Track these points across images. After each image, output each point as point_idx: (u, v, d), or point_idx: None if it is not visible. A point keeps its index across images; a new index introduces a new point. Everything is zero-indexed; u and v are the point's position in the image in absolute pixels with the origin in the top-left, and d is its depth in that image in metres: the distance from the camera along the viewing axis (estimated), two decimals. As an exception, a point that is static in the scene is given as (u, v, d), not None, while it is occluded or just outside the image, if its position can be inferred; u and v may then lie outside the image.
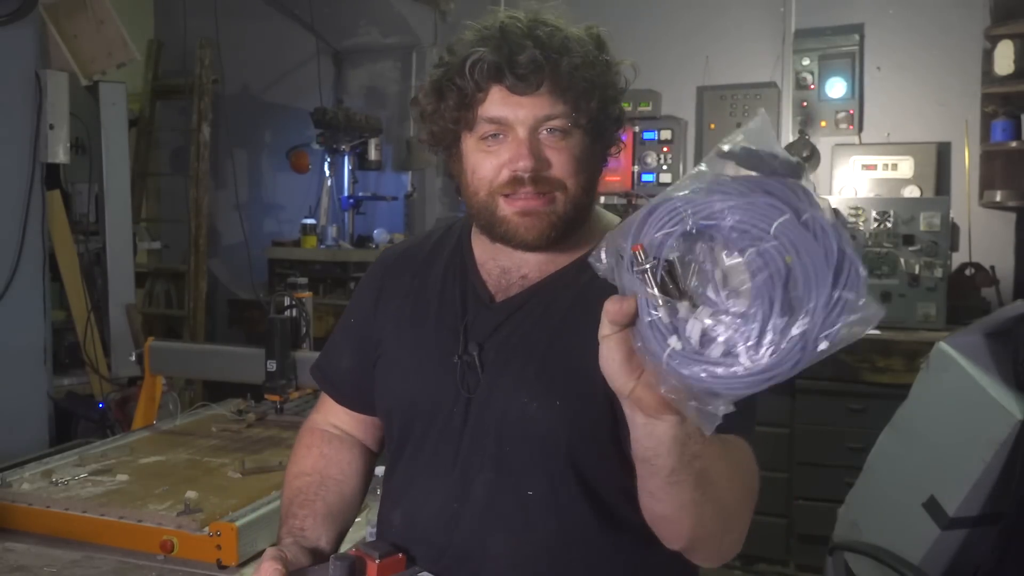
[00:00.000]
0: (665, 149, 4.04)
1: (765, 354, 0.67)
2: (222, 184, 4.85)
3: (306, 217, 4.32)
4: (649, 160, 4.04)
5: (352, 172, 4.47)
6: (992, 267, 3.39)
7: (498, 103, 1.09)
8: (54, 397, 3.13)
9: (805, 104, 3.78)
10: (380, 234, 4.29)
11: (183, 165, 4.73)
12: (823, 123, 3.77)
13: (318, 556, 1.19)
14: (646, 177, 4.05)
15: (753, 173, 0.72)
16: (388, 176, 4.62)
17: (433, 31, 4.48)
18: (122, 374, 3.40)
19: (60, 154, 3.07)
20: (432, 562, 1.14)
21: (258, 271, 4.30)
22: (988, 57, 3.41)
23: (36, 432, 2.95)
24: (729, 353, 0.69)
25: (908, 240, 3.15)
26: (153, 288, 4.82)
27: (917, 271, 3.12)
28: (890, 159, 3.67)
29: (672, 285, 0.72)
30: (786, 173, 0.70)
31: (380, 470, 1.34)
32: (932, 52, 3.65)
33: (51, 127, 3.02)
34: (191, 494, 1.55)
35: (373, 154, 4.39)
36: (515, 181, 1.09)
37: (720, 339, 0.69)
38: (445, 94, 1.11)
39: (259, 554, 1.46)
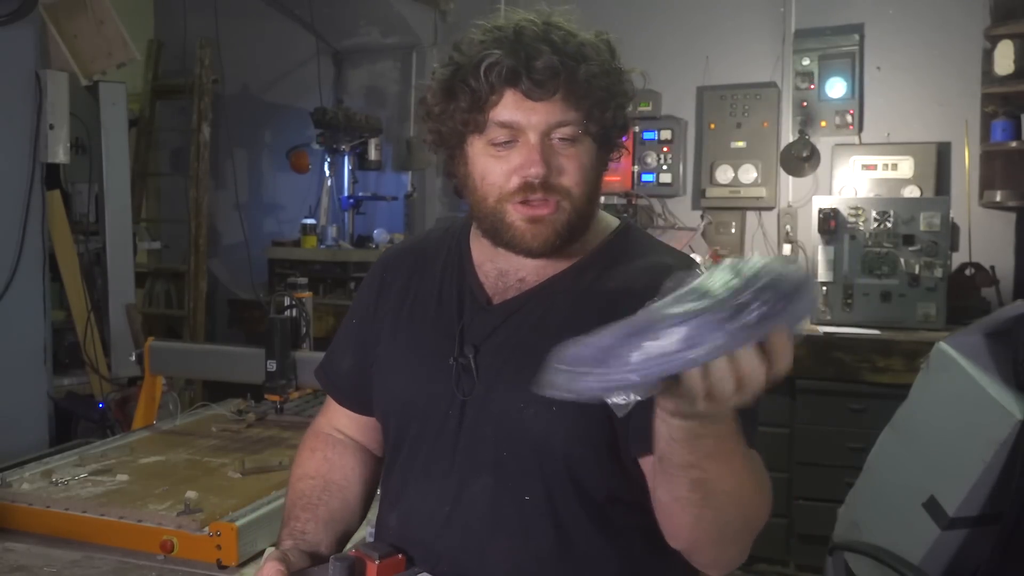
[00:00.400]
0: (665, 149, 4.04)
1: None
2: (222, 184, 4.85)
3: (306, 217, 4.32)
4: (649, 160, 4.05)
5: (352, 172, 4.47)
6: (992, 267, 3.39)
7: (511, 107, 1.07)
8: (54, 397, 3.13)
9: (805, 104, 3.78)
10: (380, 234, 4.29)
11: (183, 165, 4.73)
12: (823, 123, 3.76)
13: (318, 560, 1.20)
14: (646, 177, 4.06)
15: None
16: (388, 176, 4.62)
17: (433, 31, 4.48)
18: (122, 374, 3.40)
19: (60, 154, 3.07)
20: (429, 565, 1.14)
21: (258, 271, 4.30)
22: (988, 57, 3.41)
23: (36, 432, 2.95)
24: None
25: (908, 240, 3.15)
26: (153, 288, 4.82)
27: (917, 271, 3.12)
28: (890, 159, 3.67)
29: None
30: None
31: None
32: (932, 52, 3.65)
33: (51, 127, 3.02)
34: (191, 494, 1.55)
35: (373, 154, 4.39)
36: (526, 187, 1.08)
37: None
38: (456, 95, 1.09)
39: (259, 554, 1.47)
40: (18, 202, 2.94)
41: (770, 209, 3.92)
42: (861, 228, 3.18)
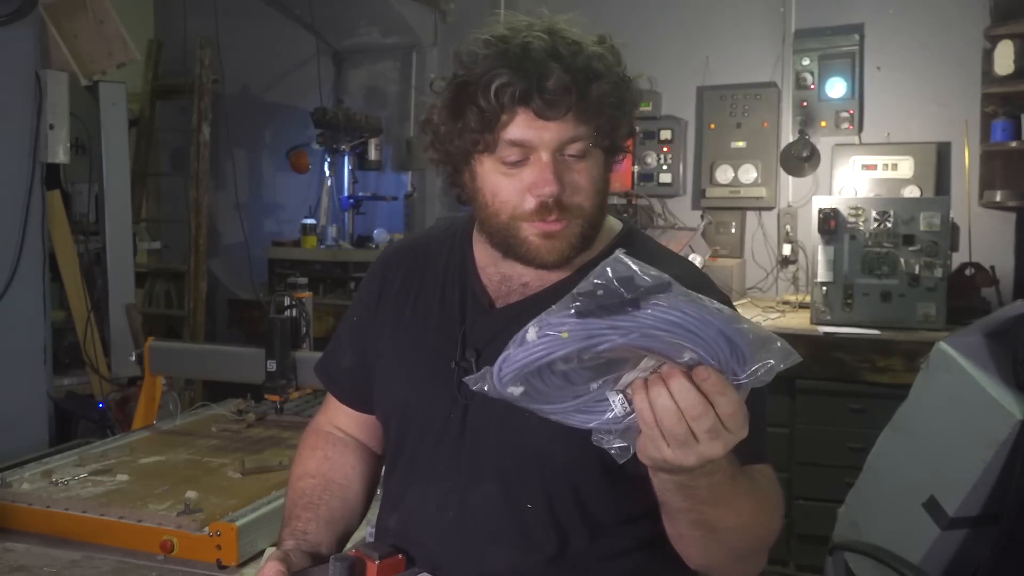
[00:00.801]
0: (665, 149, 4.04)
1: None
2: (222, 184, 4.85)
3: (306, 217, 4.32)
4: (649, 160, 4.05)
5: (352, 172, 4.47)
6: (992, 267, 3.38)
7: (523, 126, 1.05)
8: (54, 397, 3.13)
9: (805, 104, 3.78)
10: (380, 234, 4.29)
11: (183, 165, 4.73)
12: (823, 123, 3.76)
13: (319, 560, 1.20)
14: (646, 177, 4.06)
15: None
16: (388, 176, 4.62)
17: (433, 31, 4.48)
18: (122, 374, 3.40)
19: (60, 154, 3.07)
20: (430, 567, 1.14)
21: (258, 271, 4.30)
22: (988, 57, 3.40)
23: (36, 432, 2.95)
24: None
25: (908, 240, 3.15)
26: (153, 288, 4.82)
27: (917, 271, 3.12)
28: (890, 159, 3.67)
29: None
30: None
31: None
32: (932, 52, 3.65)
33: (51, 127, 3.03)
34: (191, 494, 1.55)
35: (373, 154, 4.39)
36: (542, 209, 1.07)
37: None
38: (464, 114, 1.07)
39: (259, 554, 1.47)
40: (18, 202, 2.94)
41: (770, 209, 3.92)
42: (861, 228, 3.18)
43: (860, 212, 3.18)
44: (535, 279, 1.16)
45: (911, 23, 3.68)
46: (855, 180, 3.69)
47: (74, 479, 1.70)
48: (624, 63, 1.11)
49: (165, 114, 4.94)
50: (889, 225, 3.15)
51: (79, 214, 3.55)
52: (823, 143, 3.75)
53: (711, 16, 3.99)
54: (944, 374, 2.01)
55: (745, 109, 3.91)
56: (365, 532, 1.34)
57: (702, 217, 3.92)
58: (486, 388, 0.84)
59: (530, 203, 1.07)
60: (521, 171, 1.08)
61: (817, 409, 3.12)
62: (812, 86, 3.77)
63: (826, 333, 3.10)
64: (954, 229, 3.23)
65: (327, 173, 4.43)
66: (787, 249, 3.83)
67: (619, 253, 0.81)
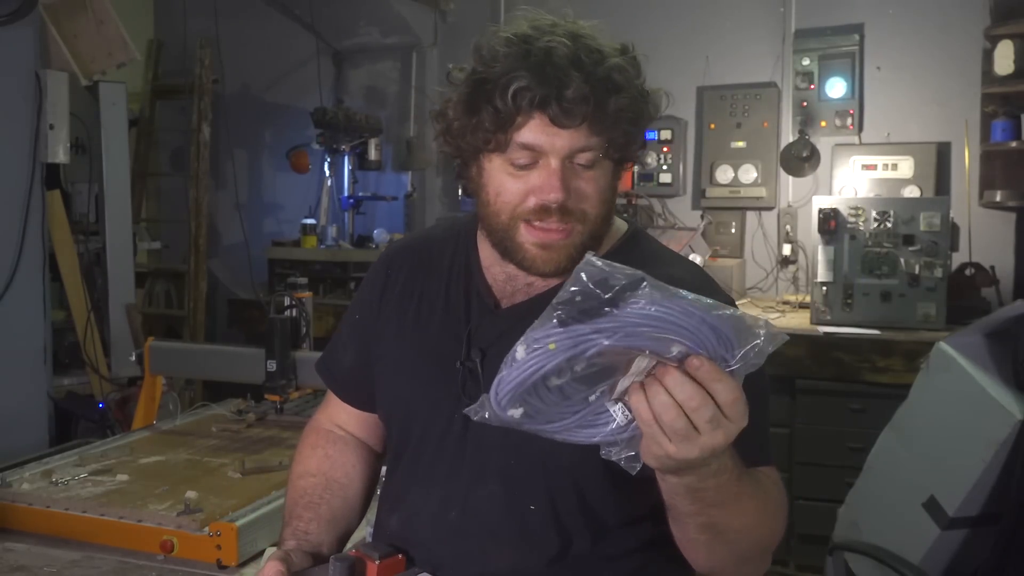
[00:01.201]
0: (665, 149, 4.04)
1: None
2: (222, 184, 4.85)
3: (306, 217, 4.32)
4: (649, 160, 4.05)
5: (352, 172, 4.46)
6: (992, 267, 3.38)
7: (536, 131, 1.05)
8: (54, 397, 3.13)
9: (805, 104, 3.78)
10: (380, 234, 4.29)
11: (183, 165, 4.73)
12: (823, 123, 3.76)
13: (319, 560, 1.20)
14: (646, 177, 4.06)
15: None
16: (388, 176, 4.62)
17: (433, 31, 4.48)
18: (122, 374, 3.40)
19: (60, 154, 3.07)
20: (431, 567, 1.14)
21: (258, 271, 4.30)
22: (988, 57, 3.40)
23: (36, 432, 2.95)
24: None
25: (908, 240, 3.15)
26: (153, 288, 4.82)
27: (917, 271, 3.12)
28: (890, 159, 3.67)
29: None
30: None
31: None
32: (932, 52, 3.65)
33: (51, 127, 3.03)
34: (191, 494, 1.55)
35: (373, 154, 4.39)
36: (542, 210, 1.07)
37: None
38: (479, 112, 1.06)
39: (259, 554, 1.47)
40: (18, 202, 2.94)
41: (770, 209, 3.92)
42: (861, 228, 3.18)
43: (860, 212, 3.18)
44: (540, 279, 1.15)
45: (911, 23, 3.68)
46: (855, 180, 3.69)
47: (74, 479, 1.70)
48: (644, 76, 1.10)
49: (165, 114, 4.94)
50: (889, 225, 3.15)
51: (79, 214, 3.55)
52: (823, 143, 3.75)
53: (711, 16, 3.99)
54: (944, 374, 2.01)
55: (745, 109, 3.91)
56: (365, 532, 1.34)
57: (702, 217, 3.92)
58: (487, 416, 0.84)
59: (532, 203, 1.07)
60: (529, 174, 1.07)
61: (817, 409, 3.12)
62: (812, 86, 3.77)
63: (826, 333, 3.10)
64: (954, 229, 3.23)
65: (327, 173, 4.43)
66: (787, 249, 3.83)
67: (589, 256, 0.80)
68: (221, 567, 1.45)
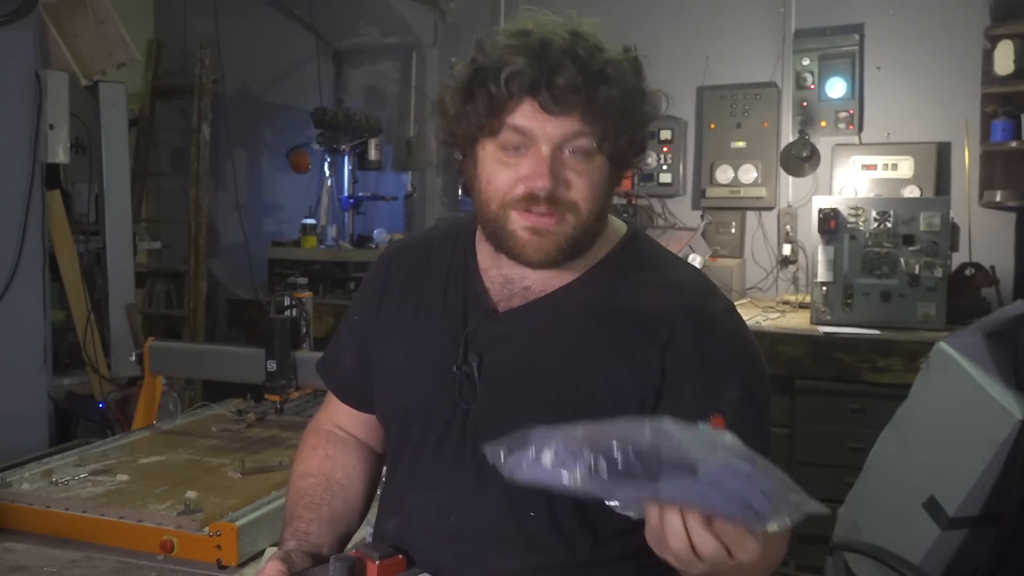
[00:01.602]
0: (665, 149, 4.05)
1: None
2: (222, 184, 4.85)
3: (306, 217, 4.32)
4: (649, 160, 4.05)
5: (352, 172, 4.47)
6: (992, 267, 3.38)
7: (527, 115, 1.06)
8: (54, 397, 3.13)
9: (805, 104, 3.78)
10: (380, 234, 4.29)
11: (183, 165, 4.73)
12: (823, 123, 3.76)
13: (319, 561, 1.20)
14: (646, 177, 4.06)
15: None
16: (388, 176, 4.62)
17: (433, 31, 4.48)
18: (122, 374, 3.40)
19: (60, 154, 3.07)
20: (430, 570, 1.14)
21: (258, 271, 4.30)
22: (988, 57, 3.40)
23: (36, 432, 2.95)
24: None
25: (908, 240, 3.15)
26: (153, 288, 4.82)
27: (917, 271, 3.12)
28: (890, 159, 3.67)
29: None
30: None
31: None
32: (932, 52, 3.65)
33: (51, 127, 3.03)
34: (191, 494, 1.55)
35: (373, 154, 4.39)
36: (530, 198, 1.07)
37: None
38: (474, 97, 1.08)
39: (259, 554, 1.47)
40: (18, 202, 2.94)
41: (770, 209, 3.92)
42: (861, 228, 3.18)
43: (860, 212, 3.18)
44: (537, 282, 1.15)
45: (911, 23, 3.68)
46: (855, 180, 3.69)
47: (74, 479, 1.70)
48: (644, 76, 1.11)
49: (165, 114, 4.94)
50: (889, 225, 3.15)
51: (79, 214, 3.55)
52: (823, 143, 3.75)
53: (711, 16, 3.99)
54: (944, 374, 2.01)
55: (745, 109, 3.91)
56: (365, 532, 1.34)
57: (702, 217, 3.92)
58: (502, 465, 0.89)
59: (520, 190, 1.08)
60: (519, 162, 1.08)
61: (817, 409, 3.12)
62: (812, 86, 3.77)
63: (826, 333, 3.10)
64: (954, 229, 3.23)
65: (327, 173, 4.43)
66: (787, 249, 3.83)
67: (664, 422, 0.84)
68: (221, 567, 1.45)
